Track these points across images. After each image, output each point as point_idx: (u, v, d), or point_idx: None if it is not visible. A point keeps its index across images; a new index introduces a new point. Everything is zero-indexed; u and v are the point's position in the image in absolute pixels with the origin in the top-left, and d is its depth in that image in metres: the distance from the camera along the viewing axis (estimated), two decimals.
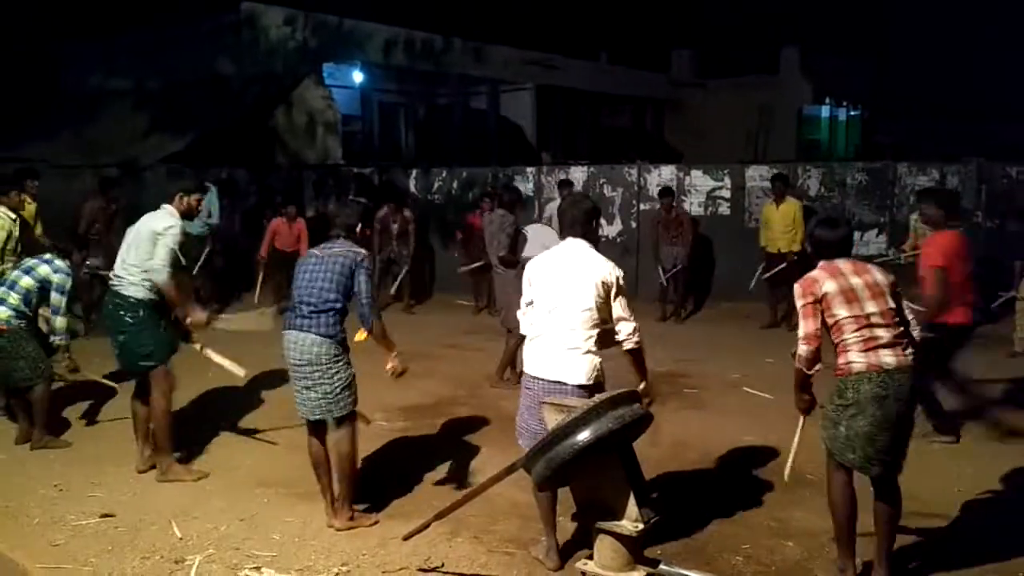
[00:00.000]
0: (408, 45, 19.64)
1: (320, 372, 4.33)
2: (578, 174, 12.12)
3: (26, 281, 5.68)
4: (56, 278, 5.70)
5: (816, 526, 4.37)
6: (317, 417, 4.44)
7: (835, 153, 28.05)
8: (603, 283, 3.90)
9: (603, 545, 3.51)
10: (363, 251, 4.53)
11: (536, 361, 3.96)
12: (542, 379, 3.92)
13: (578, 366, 3.87)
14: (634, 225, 11.66)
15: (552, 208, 10.27)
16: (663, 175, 11.50)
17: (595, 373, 3.89)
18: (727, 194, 11.26)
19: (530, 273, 4.11)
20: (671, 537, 4.24)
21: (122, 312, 5.05)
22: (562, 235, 4.19)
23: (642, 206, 11.58)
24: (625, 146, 22.98)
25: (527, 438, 3.92)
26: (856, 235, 10.31)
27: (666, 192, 10.38)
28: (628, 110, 28.14)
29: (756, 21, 28.67)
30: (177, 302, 5.16)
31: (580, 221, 4.09)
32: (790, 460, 4.18)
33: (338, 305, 4.35)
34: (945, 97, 29.59)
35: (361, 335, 4.63)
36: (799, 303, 3.83)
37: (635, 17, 27.35)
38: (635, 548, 3.51)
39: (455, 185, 12.87)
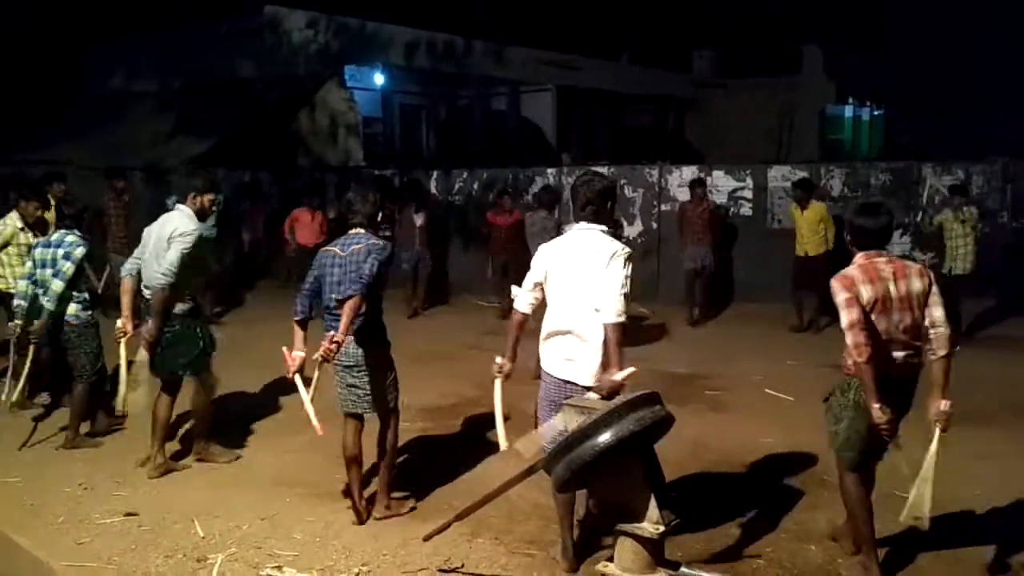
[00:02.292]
0: (429, 47, 19.72)
1: (366, 369, 4.41)
2: None
3: (67, 267, 5.61)
4: (72, 249, 5.64)
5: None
6: (360, 411, 4.52)
7: (858, 153, 27.83)
8: (612, 266, 3.73)
9: (623, 547, 3.49)
10: (382, 242, 4.48)
11: (550, 358, 3.92)
12: (555, 377, 3.88)
13: (591, 365, 3.79)
14: (655, 226, 11.61)
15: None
16: (684, 176, 11.44)
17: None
18: (749, 195, 11.18)
19: (544, 259, 3.95)
20: (692, 540, 4.22)
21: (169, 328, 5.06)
22: (574, 217, 3.98)
23: (663, 207, 11.53)
24: (646, 147, 22.90)
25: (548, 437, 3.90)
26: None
27: (699, 183, 10.28)
28: (649, 110, 28.05)
29: (778, 21, 28.47)
30: (158, 311, 4.99)
31: (593, 202, 3.85)
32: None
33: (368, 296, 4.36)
34: (970, 96, 29.25)
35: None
36: (839, 297, 3.72)
37: (656, 17, 27.24)
38: (656, 550, 3.49)
39: (476, 186, 12.88)
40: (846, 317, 3.68)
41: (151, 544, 4.30)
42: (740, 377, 7.57)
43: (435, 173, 13.54)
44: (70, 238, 5.69)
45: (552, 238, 6.99)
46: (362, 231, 4.51)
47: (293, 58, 17.66)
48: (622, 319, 3.73)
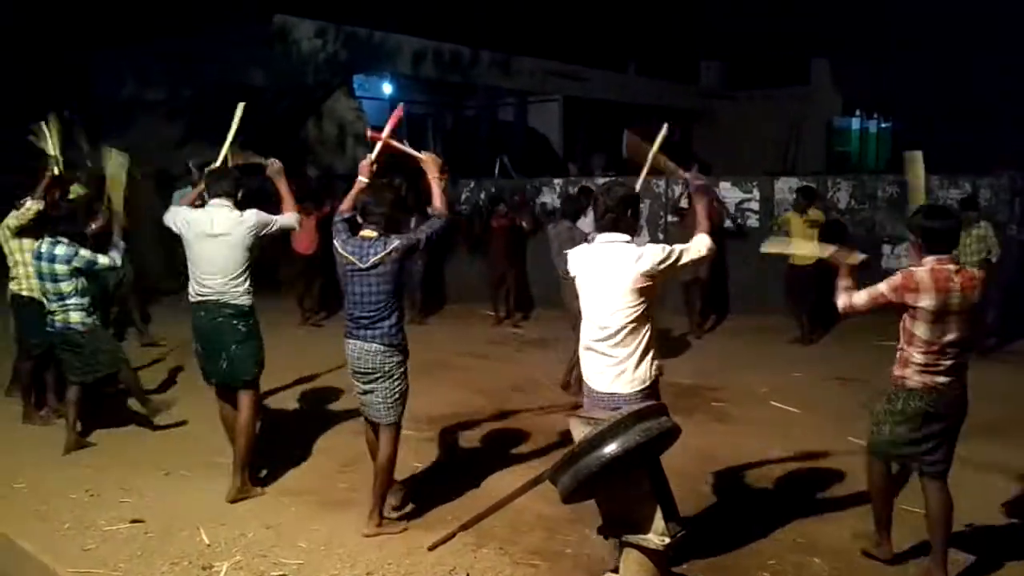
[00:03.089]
0: (437, 57, 19.79)
1: (383, 378, 4.41)
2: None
3: (61, 269, 5.68)
4: (60, 251, 5.68)
5: (844, 543, 4.32)
6: (377, 420, 4.51)
7: (865, 165, 27.78)
8: (643, 275, 3.61)
9: (629, 559, 3.50)
10: (396, 241, 4.34)
11: (588, 372, 3.77)
12: (596, 391, 3.73)
13: (628, 376, 3.65)
14: (662, 237, 11.60)
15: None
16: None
17: (650, 378, 3.68)
18: (756, 206, 11.19)
19: (574, 267, 3.85)
20: (697, 552, 4.20)
21: (235, 322, 4.97)
22: (596, 227, 3.85)
23: (671, 218, 11.54)
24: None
25: None
26: (887, 248, 10.21)
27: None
28: (656, 121, 28.06)
29: (786, 32, 28.49)
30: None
31: (613, 210, 3.73)
32: None
33: (393, 307, 4.37)
34: (978, 108, 29.19)
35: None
36: (884, 287, 3.79)
37: (663, 28, 27.29)
38: (661, 562, 3.49)
39: (482, 196, 12.91)
40: (862, 300, 3.82)
41: (157, 551, 4.31)
42: (746, 388, 7.55)
43: None
44: (60, 250, 5.71)
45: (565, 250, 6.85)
46: (375, 236, 4.37)
47: (302, 67, 17.74)
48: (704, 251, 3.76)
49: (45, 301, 5.82)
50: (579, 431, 3.47)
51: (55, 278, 5.72)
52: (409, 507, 4.81)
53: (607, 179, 10.23)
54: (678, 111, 27.39)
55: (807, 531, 4.52)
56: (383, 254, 4.30)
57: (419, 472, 5.49)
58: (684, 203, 10.43)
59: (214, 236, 4.92)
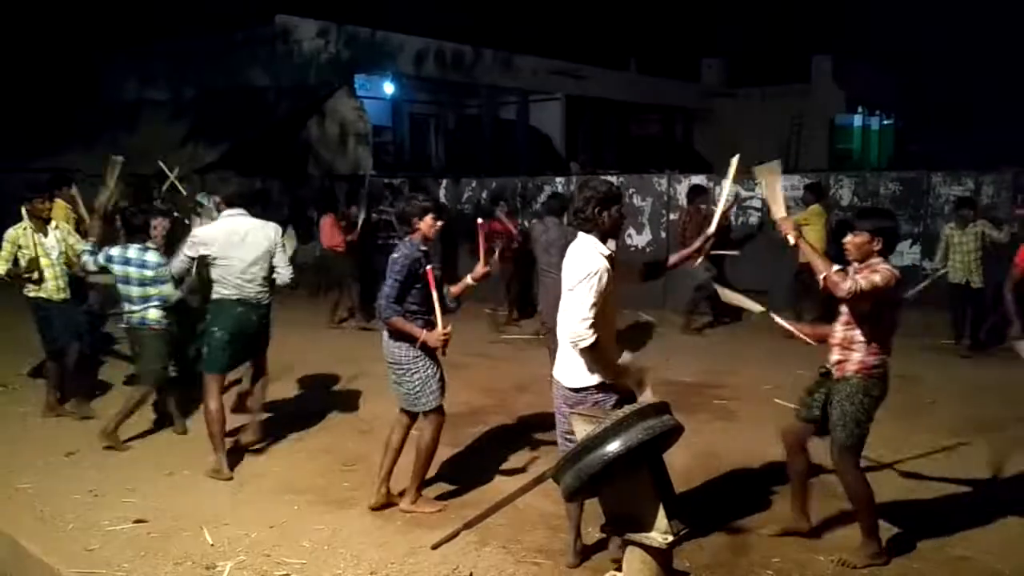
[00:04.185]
0: (439, 56, 19.82)
1: (402, 370, 4.64)
2: None
3: (150, 274, 5.81)
4: (151, 257, 5.84)
5: (847, 540, 4.31)
6: (405, 408, 4.75)
7: (867, 163, 27.75)
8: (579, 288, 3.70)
9: (632, 557, 3.49)
10: (406, 251, 4.55)
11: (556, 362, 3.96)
12: (554, 379, 3.93)
13: (570, 366, 3.82)
14: (663, 235, 11.60)
15: None
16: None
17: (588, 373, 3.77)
18: (758, 204, 11.16)
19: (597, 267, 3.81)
20: (701, 550, 4.21)
21: (264, 321, 5.56)
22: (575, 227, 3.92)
23: (672, 216, 11.53)
24: (654, 156, 22.92)
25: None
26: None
27: (697, 191, 10.26)
28: (657, 120, 28.07)
29: (787, 30, 28.47)
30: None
31: (582, 210, 3.78)
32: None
33: (410, 308, 4.58)
34: (979, 105, 29.17)
35: None
36: (877, 278, 3.86)
37: (665, 26, 27.30)
38: (664, 560, 3.49)
39: (484, 195, 12.92)
40: (858, 284, 3.84)
41: (160, 551, 4.32)
42: (749, 386, 7.55)
43: (444, 182, 13.58)
44: (151, 256, 5.84)
45: (561, 247, 6.96)
46: (405, 239, 4.71)
47: (304, 67, 17.78)
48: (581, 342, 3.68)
49: (128, 305, 5.88)
50: (582, 429, 3.46)
51: (142, 283, 5.82)
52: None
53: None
54: (679, 109, 27.45)
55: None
56: (401, 253, 4.61)
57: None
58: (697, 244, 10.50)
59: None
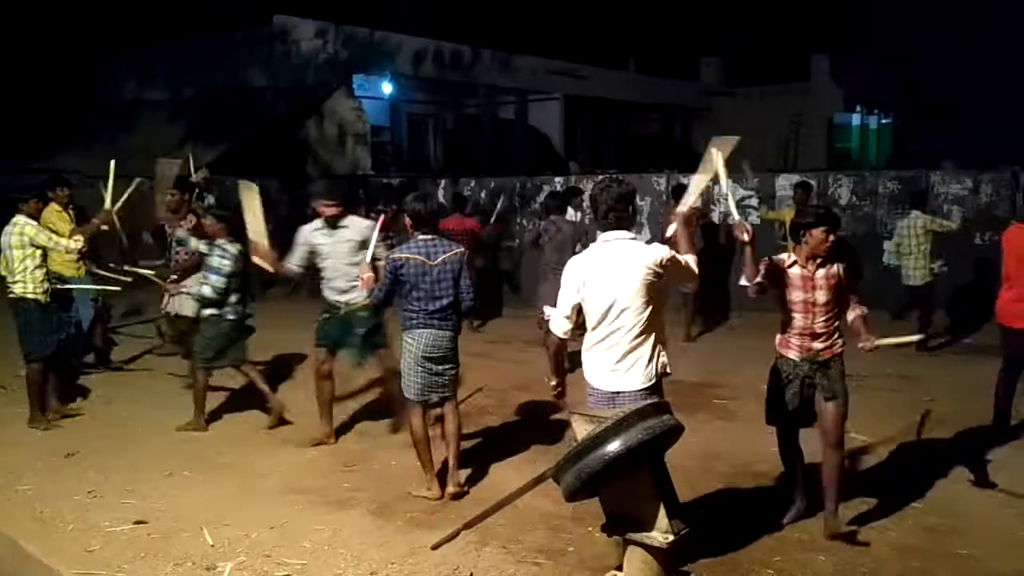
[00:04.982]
0: (437, 56, 19.80)
1: (453, 363, 5.06)
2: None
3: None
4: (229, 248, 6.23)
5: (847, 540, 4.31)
6: (440, 397, 5.07)
7: (866, 162, 27.75)
8: (652, 267, 3.62)
9: (633, 557, 3.49)
10: (460, 248, 5.03)
11: (595, 371, 3.74)
12: (601, 390, 3.70)
13: (636, 372, 3.65)
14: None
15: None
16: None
17: (656, 375, 3.71)
18: (756, 203, 11.17)
19: (580, 274, 3.73)
20: (701, 550, 4.20)
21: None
22: (599, 226, 3.79)
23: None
24: (653, 155, 22.92)
25: None
26: (888, 243, 10.16)
27: (684, 190, 10.21)
28: (656, 119, 28.08)
29: (786, 29, 28.49)
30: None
31: (615, 208, 3.71)
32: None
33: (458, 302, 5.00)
34: (979, 104, 29.18)
35: None
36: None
37: (663, 26, 27.30)
38: (665, 560, 3.49)
39: (483, 195, 12.91)
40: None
41: (160, 552, 4.32)
42: (748, 386, 7.52)
43: (443, 182, 13.57)
44: (232, 247, 6.20)
45: (573, 244, 6.89)
46: (430, 238, 4.94)
47: (302, 67, 17.76)
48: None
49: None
50: (582, 429, 3.46)
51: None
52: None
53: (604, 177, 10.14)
54: (678, 108, 27.45)
55: (811, 528, 4.51)
56: (447, 251, 4.94)
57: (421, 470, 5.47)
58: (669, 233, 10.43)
59: None
